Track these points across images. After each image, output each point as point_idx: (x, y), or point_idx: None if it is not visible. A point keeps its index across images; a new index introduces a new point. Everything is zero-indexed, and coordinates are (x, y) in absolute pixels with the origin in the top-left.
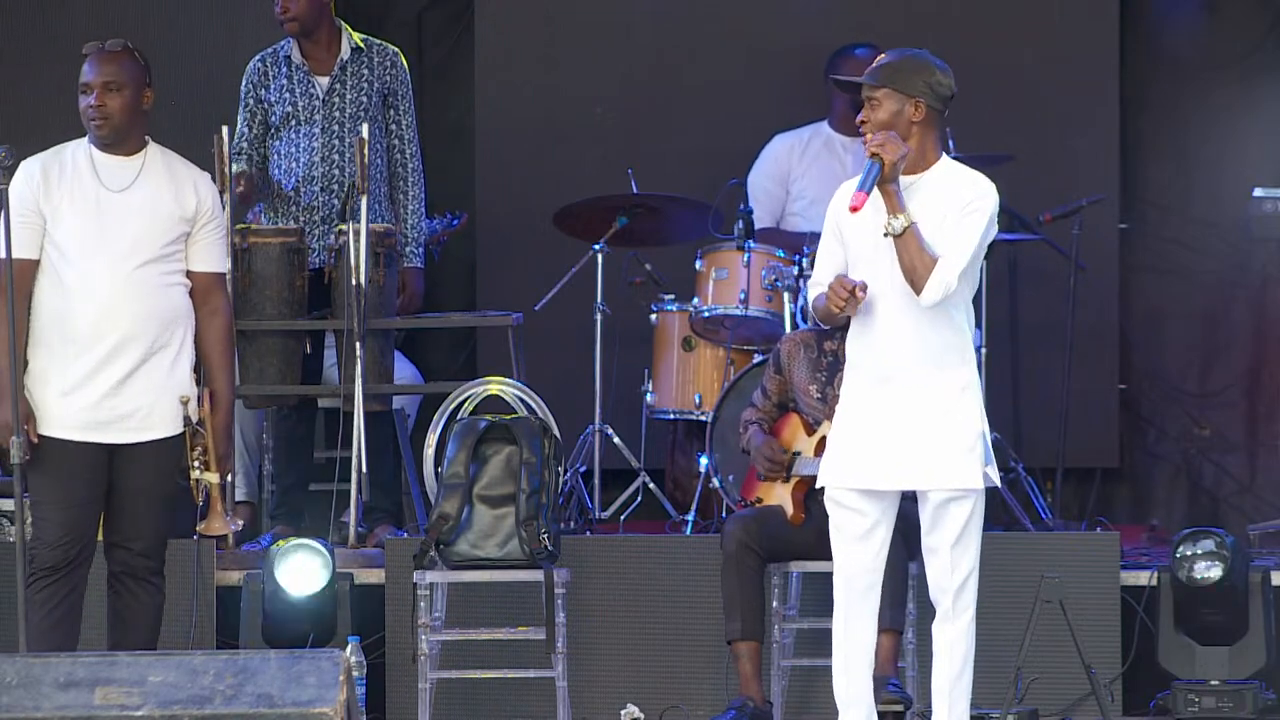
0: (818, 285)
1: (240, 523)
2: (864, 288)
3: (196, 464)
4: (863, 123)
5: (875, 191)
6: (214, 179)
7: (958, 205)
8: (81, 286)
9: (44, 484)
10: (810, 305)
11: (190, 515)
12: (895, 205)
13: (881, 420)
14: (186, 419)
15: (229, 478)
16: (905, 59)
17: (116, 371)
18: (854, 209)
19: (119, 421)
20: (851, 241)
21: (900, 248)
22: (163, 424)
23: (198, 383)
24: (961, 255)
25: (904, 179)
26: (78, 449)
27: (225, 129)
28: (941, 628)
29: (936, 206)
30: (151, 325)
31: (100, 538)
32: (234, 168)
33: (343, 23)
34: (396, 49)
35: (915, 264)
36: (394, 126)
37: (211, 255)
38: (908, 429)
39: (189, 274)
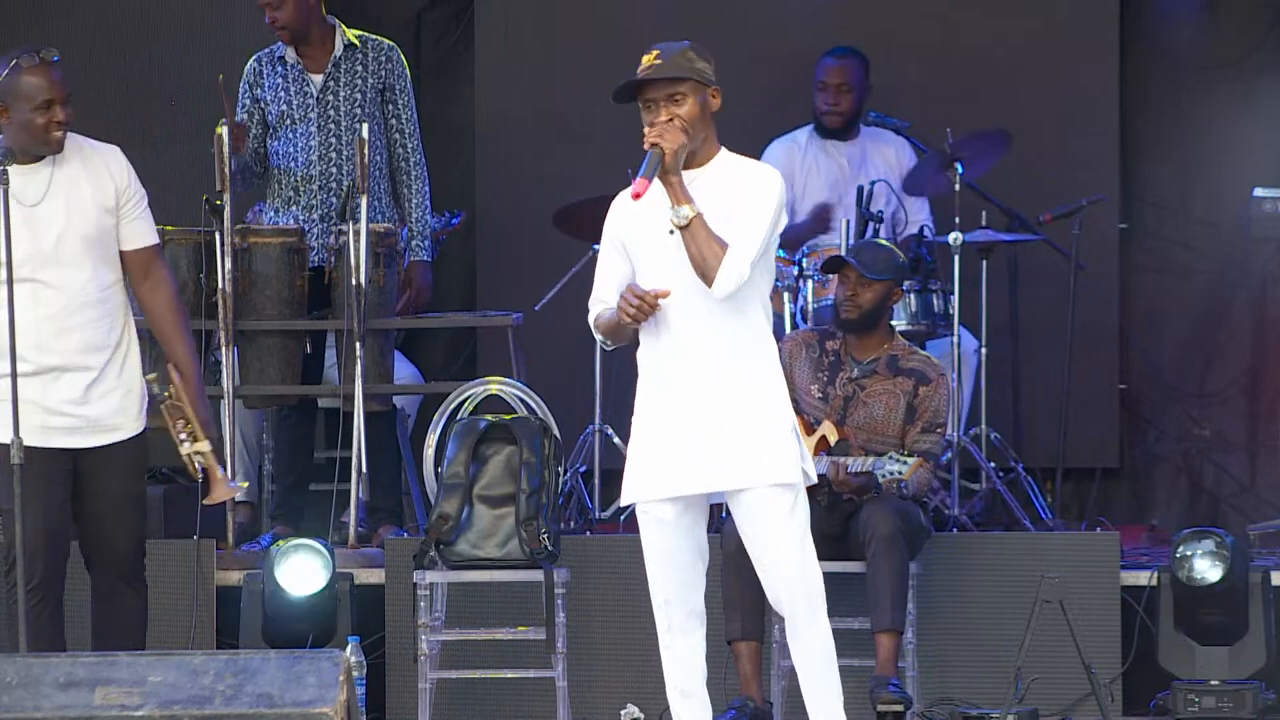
0: (599, 302)
1: (245, 485)
2: (662, 295)
3: (183, 437)
4: (670, 119)
5: (656, 188)
6: (215, 179)
7: (744, 192)
8: (24, 304)
9: (8, 494)
10: (591, 324)
11: (189, 515)
12: (680, 196)
13: (687, 425)
14: (154, 396)
15: (227, 452)
16: (690, 48)
17: (80, 379)
18: (636, 196)
19: (87, 427)
20: (636, 248)
21: (688, 239)
22: (130, 423)
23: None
24: (752, 242)
25: (687, 173)
26: (41, 455)
27: (225, 129)
28: (797, 640)
29: (722, 197)
30: (102, 329)
31: (80, 552)
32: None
33: (336, 20)
34: (393, 43)
35: (705, 254)
36: (394, 121)
37: (141, 231)
38: (716, 430)
39: (123, 255)
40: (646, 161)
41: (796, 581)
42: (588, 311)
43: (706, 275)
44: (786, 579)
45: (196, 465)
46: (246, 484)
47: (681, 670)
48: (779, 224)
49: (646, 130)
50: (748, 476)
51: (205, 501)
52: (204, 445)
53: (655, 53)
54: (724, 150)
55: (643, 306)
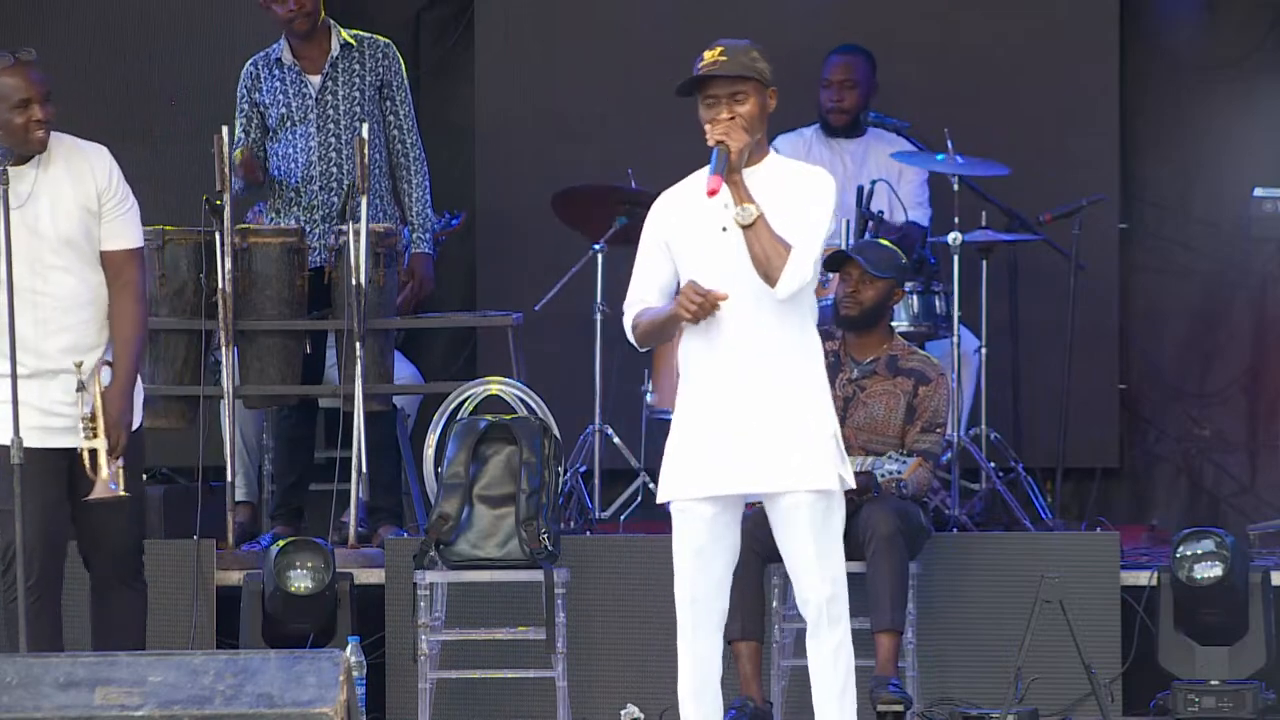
0: (640, 302)
1: (124, 494)
2: (721, 298)
3: (83, 429)
4: (731, 118)
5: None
6: (214, 179)
7: (800, 195)
8: (18, 307)
9: (7, 494)
10: (628, 325)
11: (189, 515)
12: (743, 195)
13: (729, 425)
14: (80, 383)
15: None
16: (752, 47)
17: (74, 380)
18: (712, 192)
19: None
20: (683, 248)
21: (751, 238)
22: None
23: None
24: (813, 244)
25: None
26: (38, 456)
27: (225, 129)
28: (816, 641)
29: (775, 198)
30: (92, 330)
31: (78, 550)
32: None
33: (332, 21)
34: (388, 40)
35: (769, 253)
36: (392, 118)
37: (121, 233)
38: (758, 431)
39: (102, 254)
40: (715, 159)
41: (822, 586)
42: (589, 310)
43: (770, 275)
44: (812, 582)
45: (87, 460)
46: (126, 494)
47: (698, 670)
48: (831, 228)
49: (708, 126)
50: (786, 480)
51: (83, 498)
52: (98, 443)
53: (720, 49)
54: (774, 152)
55: (705, 305)
